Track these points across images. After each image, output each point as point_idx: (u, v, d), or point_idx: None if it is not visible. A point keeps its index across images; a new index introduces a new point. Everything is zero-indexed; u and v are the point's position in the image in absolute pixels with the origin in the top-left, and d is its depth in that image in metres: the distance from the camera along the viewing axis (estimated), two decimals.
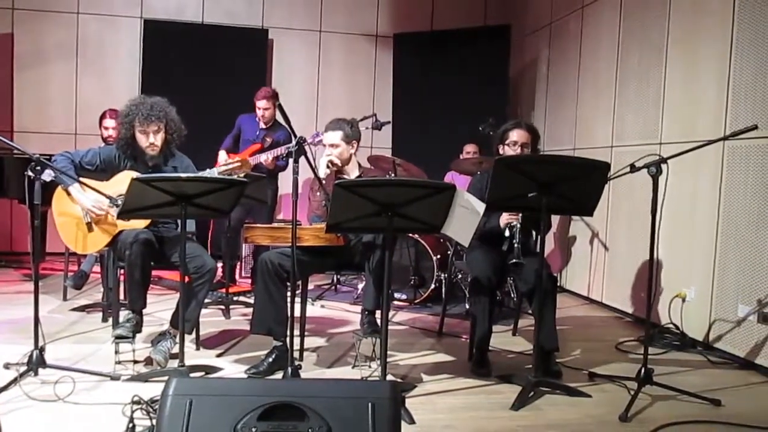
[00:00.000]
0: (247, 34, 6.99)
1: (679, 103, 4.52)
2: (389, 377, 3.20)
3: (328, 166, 3.64)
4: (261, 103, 5.38)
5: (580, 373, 3.59)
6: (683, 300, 4.36)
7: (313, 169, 3.32)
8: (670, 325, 4.40)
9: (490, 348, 3.66)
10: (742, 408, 3.13)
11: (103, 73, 6.88)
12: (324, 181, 3.53)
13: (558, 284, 5.60)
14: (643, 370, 3.18)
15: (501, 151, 3.77)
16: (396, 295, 5.23)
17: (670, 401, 3.17)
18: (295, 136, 3.06)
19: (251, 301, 4.28)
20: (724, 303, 4.03)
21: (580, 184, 3.07)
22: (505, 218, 3.62)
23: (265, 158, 5.15)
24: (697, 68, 4.34)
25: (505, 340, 4.27)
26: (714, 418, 2.97)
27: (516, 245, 3.51)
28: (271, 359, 3.37)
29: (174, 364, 3.26)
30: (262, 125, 5.45)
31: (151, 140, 3.58)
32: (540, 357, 3.33)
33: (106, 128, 5.15)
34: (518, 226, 3.57)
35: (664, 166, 3.17)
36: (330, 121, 3.75)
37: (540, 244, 3.35)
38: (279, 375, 3.30)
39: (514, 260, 3.47)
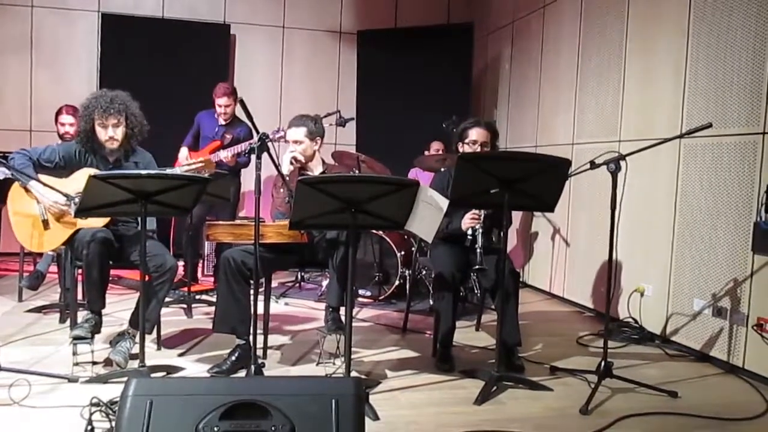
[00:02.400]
0: (209, 30, 6.89)
1: (638, 102, 4.61)
2: (353, 374, 3.20)
3: (291, 163, 3.61)
4: (222, 101, 5.32)
5: (542, 367, 3.64)
6: (641, 295, 4.45)
7: (277, 166, 3.29)
8: (629, 320, 4.49)
9: (453, 343, 3.68)
10: (698, 399, 3.22)
11: (59, 68, 6.71)
12: (287, 178, 3.51)
13: (520, 280, 5.67)
14: (603, 364, 3.24)
15: (461, 150, 3.78)
16: (360, 291, 5.22)
17: (629, 393, 3.24)
18: (258, 133, 3.04)
19: (214, 299, 4.22)
20: (680, 298, 4.13)
21: (541, 181, 3.10)
22: (467, 222, 3.62)
23: (225, 155, 5.09)
24: (655, 67, 4.43)
25: (468, 335, 4.31)
26: (671, 409, 3.05)
27: (478, 250, 3.52)
28: (234, 358, 3.34)
29: (134, 364, 3.20)
30: (221, 122, 5.38)
31: (110, 134, 3.51)
32: (503, 352, 3.36)
33: (63, 124, 5.03)
34: (480, 230, 3.59)
35: (623, 164, 3.23)
36: (294, 117, 3.72)
37: (502, 240, 3.38)
38: (242, 374, 3.28)
39: (477, 266, 3.49)
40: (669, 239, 4.21)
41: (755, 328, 3.52)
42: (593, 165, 3.28)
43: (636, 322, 4.43)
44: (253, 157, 3.00)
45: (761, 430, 2.91)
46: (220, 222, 3.50)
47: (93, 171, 3.16)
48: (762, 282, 3.53)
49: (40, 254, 4.91)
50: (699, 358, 3.92)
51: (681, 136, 3.47)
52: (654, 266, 4.35)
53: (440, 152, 5.87)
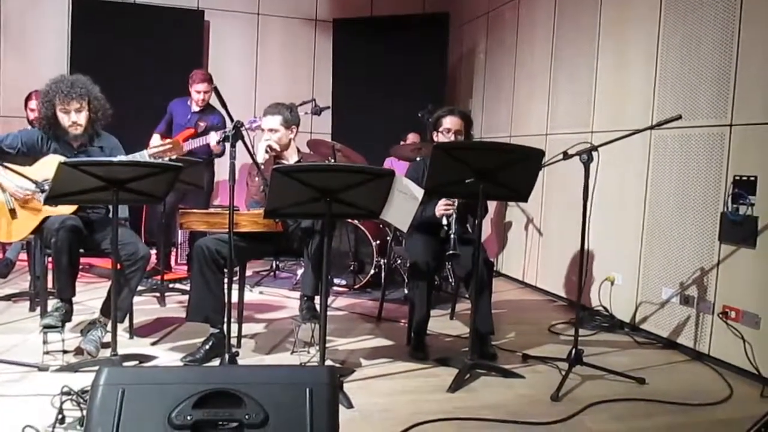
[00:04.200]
0: (183, 15, 6.78)
1: (610, 93, 4.65)
2: (328, 363, 3.21)
3: (266, 151, 3.60)
4: (200, 87, 5.24)
5: (515, 355, 3.68)
6: (612, 284, 4.51)
7: (251, 154, 3.27)
8: (600, 308, 4.55)
9: (427, 332, 3.70)
10: (665, 385, 3.28)
11: (28, 53, 6.55)
12: (262, 167, 3.49)
13: (494, 269, 5.71)
14: (573, 351, 3.28)
15: (435, 139, 3.79)
16: (335, 280, 5.22)
17: (599, 380, 3.29)
18: (232, 120, 3.01)
19: (187, 288, 4.19)
20: (649, 286, 4.19)
21: (515, 171, 3.12)
22: (440, 209, 3.63)
23: (200, 143, 5.02)
24: (627, 59, 4.47)
25: (442, 324, 4.34)
26: (639, 395, 3.10)
27: (452, 236, 3.53)
28: (207, 347, 3.33)
29: (106, 353, 3.16)
30: (194, 108, 5.32)
31: (73, 119, 3.44)
32: (476, 340, 3.39)
33: (33, 110, 4.93)
34: (454, 216, 3.60)
35: (594, 154, 3.26)
36: (269, 105, 3.70)
37: (477, 229, 3.40)
38: (216, 363, 3.26)
39: (451, 251, 3.50)
40: (639, 229, 4.27)
41: (721, 315, 3.60)
42: (566, 156, 3.31)
43: (606, 310, 4.50)
44: (228, 145, 2.98)
45: (725, 414, 2.97)
46: (194, 210, 3.47)
47: (61, 158, 3.10)
48: (728, 271, 3.60)
49: (9, 242, 4.81)
50: (667, 345, 3.99)
51: (651, 128, 3.51)
52: (624, 255, 4.41)
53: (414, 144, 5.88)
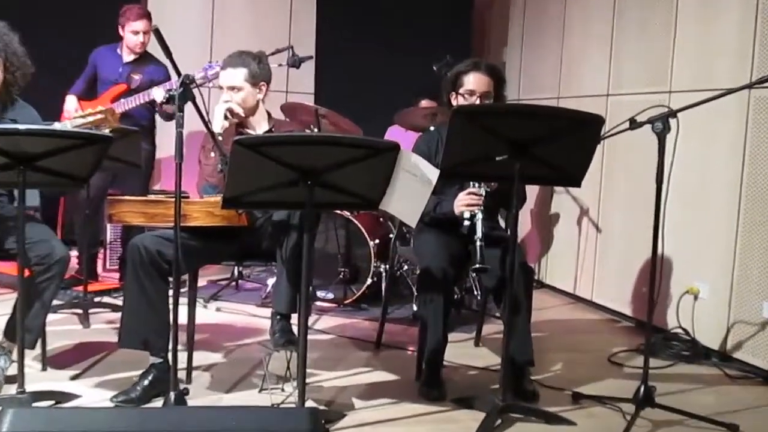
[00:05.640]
0: None
1: (695, 41, 4.64)
2: (309, 404, 3.22)
3: (226, 117, 3.60)
4: (138, 25, 5.21)
5: (562, 394, 3.68)
6: (695, 298, 4.51)
7: (206, 121, 3.27)
8: (678, 330, 4.56)
9: (444, 363, 3.71)
10: None
11: None
12: (221, 138, 3.49)
13: (535, 278, 5.71)
14: (642, 389, 3.28)
15: (454, 102, 3.79)
16: (319, 293, 5.23)
17: (676, 427, 3.30)
18: (179, 74, 3.01)
19: (120, 303, 4.20)
20: (746, 301, 4.19)
21: (564, 145, 3.12)
22: (462, 204, 3.63)
23: (134, 103, 5.01)
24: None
25: (464, 351, 4.34)
26: None
27: (478, 243, 3.52)
28: (147, 382, 3.33)
29: (11, 390, 3.17)
30: (126, 58, 5.31)
31: None
32: (510, 374, 3.40)
33: None
34: (480, 215, 3.60)
35: (673, 122, 3.26)
36: (230, 55, 3.70)
37: (512, 225, 3.40)
38: (158, 403, 3.27)
39: (477, 265, 3.49)
40: (733, 224, 4.27)
41: None
42: (634, 124, 3.30)
43: (687, 333, 4.51)
44: (174, 108, 2.97)
45: None
46: (128, 198, 3.47)
47: None
48: None
49: None
50: None
51: (750, 86, 3.51)
52: (711, 260, 4.42)
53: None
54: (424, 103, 5.95)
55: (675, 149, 3.37)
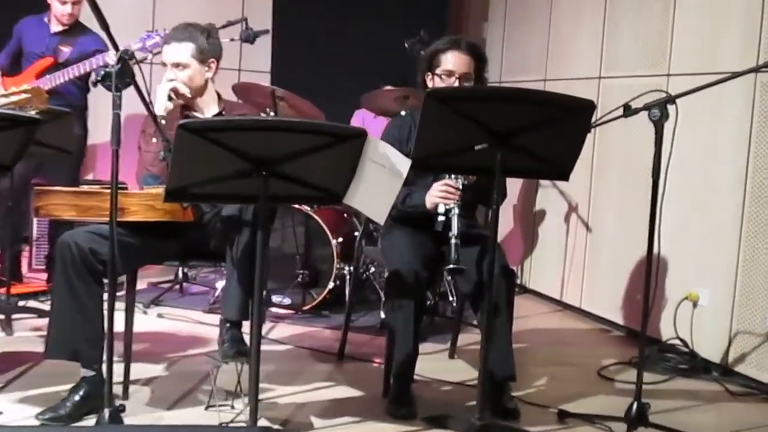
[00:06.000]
0: None
1: (696, 19, 4.68)
2: (262, 423, 3.21)
3: (170, 98, 3.59)
4: None
5: (546, 412, 3.71)
6: (694, 305, 4.55)
7: (147, 102, 3.25)
8: (675, 341, 4.60)
9: (415, 377, 3.72)
10: None
11: None
12: (164, 122, 3.47)
13: (517, 282, 5.74)
14: (635, 406, 3.31)
15: (429, 84, 3.80)
16: (274, 298, 5.23)
17: None
18: (116, 49, 2.98)
19: (47, 307, 4.17)
20: (750, 309, 4.24)
21: (551, 134, 3.13)
22: (436, 196, 3.64)
23: (61, 79, 4.96)
24: None
25: (438, 365, 4.36)
26: None
27: (453, 242, 3.53)
28: (77, 398, 3.31)
29: None
30: (54, 28, 5.26)
31: None
32: (489, 389, 3.41)
33: None
34: (456, 210, 3.60)
35: (671, 109, 3.29)
36: (175, 27, 3.69)
37: (492, 222, 3.41)
38: (91, 421, 3.25)
39: (452, 266, 3.50)
40: (736, 222, 4.32)
41: None
42: (628, 111, 3.33)
43: (685, 345, 4.55)
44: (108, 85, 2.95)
45: None
46: (57, 188, 3.44)
47: None
48: None
49: None
50: None
51: (757, 69, 3.55)
52: (713, 263, 4.46)
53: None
54: (388, 89, 5.93)
55: (674, 139, 3.39)
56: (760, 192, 4.20)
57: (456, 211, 3.59)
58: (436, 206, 3.63)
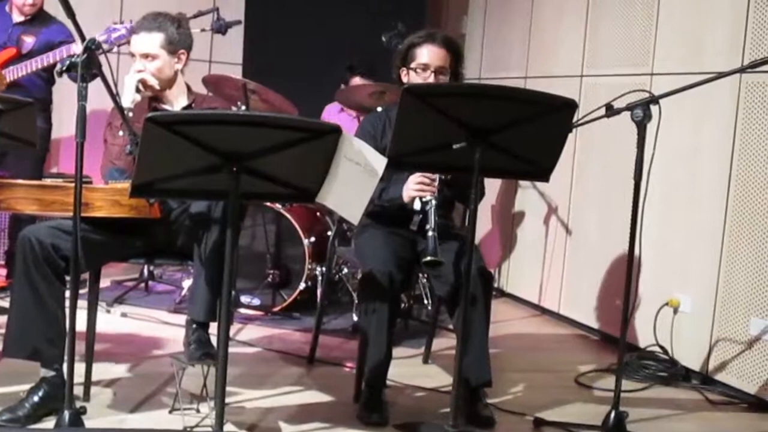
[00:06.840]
0: None
1: (681, 18, 4.70)
2: (228, 428, 3.20)
3: (138, 90, 3.58)
4: None
5: (523, 420, 3.72)
6: (675, 311, 4.59)
7: (113, 94, 3.24)
8: (655, 348, 4.63)
9: (387, 382, 3.73)
10: None
11: None
12: (131, 114, 3.46)
13: (495, 285, 5.75)
14: (612, 415, 3.34)
15: (405, 79, 3.81)
16: (243, 299, 5.22)
17: None
18: (83, 38, 2.97)
19: (5, 304, 4.14)
20: (732, 315, 4.27)
21: (532, 133, 3.14)
22: (413, 188, 3.64)
23: (24, 70, 4.93)
24: None
25: (411, 370, 4.36)
26: None
27: (431, 233, 3.54)
28: (36, 398, 3.29)
29: None
30: (16, 18, 5.23)
31: None
32: (463, 396, 3.42)
33: None
34: (434, 202, 3.61)
35: (654, 109, 3.31)
36: (143, 17, 3.68)
37: (470, 223, 3.41)
38: (50, 423, 3.24)
39: (429, 258, 3.52)
40: (719, 226, 4.34)
41: None
42: (610, 110, 3.34)
43: (665, 352, 4.58)
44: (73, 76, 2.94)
45: None
46: (19, 181, 3.42)
47: None
48: None
49: None
50: (754, 406, 4.08)
51: (742, 70, 3.57)
52: (694, 268, 4.49)
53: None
54: (357, 80, 5.91)
55: (656, 140, 3.41)
56: (743, 197, 4.23)
57: (434, 203, 3.60)
58: (414, 199, 3.64)
